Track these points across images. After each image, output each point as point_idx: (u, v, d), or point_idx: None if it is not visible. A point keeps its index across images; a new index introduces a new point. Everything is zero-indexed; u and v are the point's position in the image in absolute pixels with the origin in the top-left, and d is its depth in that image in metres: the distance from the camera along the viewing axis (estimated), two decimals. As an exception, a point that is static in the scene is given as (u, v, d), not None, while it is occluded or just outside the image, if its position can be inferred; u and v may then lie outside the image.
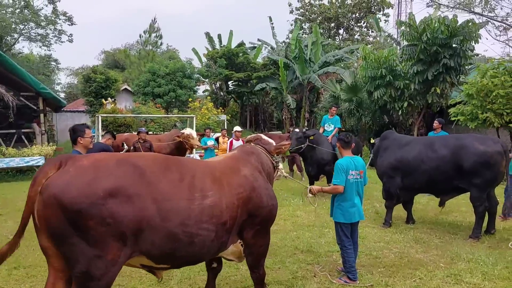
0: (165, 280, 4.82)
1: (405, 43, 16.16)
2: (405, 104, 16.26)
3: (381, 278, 4.81)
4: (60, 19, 28.64)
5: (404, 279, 4.77)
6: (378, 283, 4.67)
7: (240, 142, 10.48)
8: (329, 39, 39.93)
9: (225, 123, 24.43)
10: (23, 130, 15.98)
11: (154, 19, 35.09)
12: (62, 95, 48.76)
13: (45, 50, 30.08)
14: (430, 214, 8.09)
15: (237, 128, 10.39)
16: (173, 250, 3.15)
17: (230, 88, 29.42)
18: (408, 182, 6.99)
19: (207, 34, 28.23)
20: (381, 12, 40.47)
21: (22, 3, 27.62)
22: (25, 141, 15.69)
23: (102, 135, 6.05)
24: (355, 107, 18.72)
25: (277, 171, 4.62)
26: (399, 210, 7.74)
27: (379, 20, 39.77)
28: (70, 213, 2.70)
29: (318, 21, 41.56)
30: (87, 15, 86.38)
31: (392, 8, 40.29)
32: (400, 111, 16.54)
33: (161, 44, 34.91)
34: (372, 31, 40.20)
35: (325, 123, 10.56)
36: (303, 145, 9.60)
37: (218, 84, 28.92)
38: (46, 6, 29.32)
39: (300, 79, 25.51)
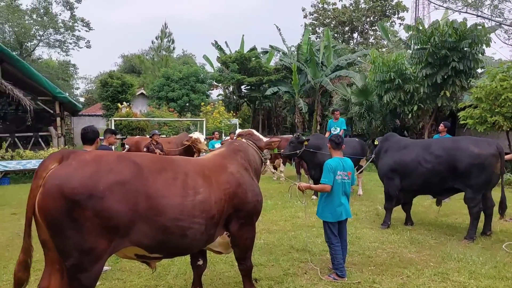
0: (162, 275, 5.06)
1: (416, 47, 16.20)
2: (415, 108, 16.28)
3: (370, 276, 4.96)
4: (77, 25, 29.52)
5: (392, 277, 4.92)
6: (366, 280, 4.82)
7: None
8: (343, 43, 40.04)
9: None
10: (40, 133, 16.52)
11: (165, 24, 35.65)
12: (82, 99, 49.89)
13: (63, 56, 31.06)
14: (430, 216, 8.17)
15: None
16: (165, 242, 3.36)
17: (243, 92, 29.70)
18: (406, 184, 7.11)
19: (215, 43, 28.62)
20: (396, 16, 40.40)
21: (42, 10, 28.57)
22: (42, 144, 16.21)
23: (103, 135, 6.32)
24: (365, 111, 18.79)
25: (265, 166, 4.85)
26: (399, 212, 7.86)
27: (393, 23, 39.90)
28: (69, 204, 2.86)
29: (332, 25, 41.70)
30: (107, 21, 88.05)
31: (407, 12, 40.16)
32: (410, 114, 16.57)
33: (174, 48, 35.46)
34: (389, 35, 40.02)
35: (331, 127, 10.71)
36: (297, 151, 9.76)
37: (231, 88, 29.24)
38: (63, 11, 30.22)
39: (312, 82, 25.65)
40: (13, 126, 19.04)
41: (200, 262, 4.35)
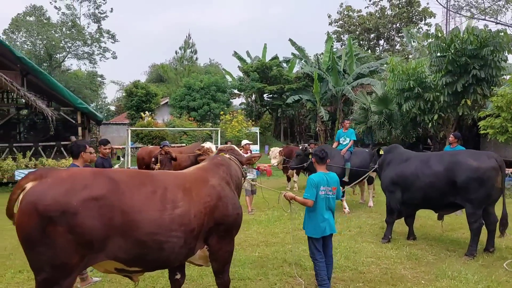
0: (149, 287, 5.13)
1: (435, 54, 15.85)
2: (435, 117, 15.89)
3: (357, 293, 4.88)
4: (104, 37, 30.48)
5: (379, 295, 4.82)
6: (351, 297, 4.74)
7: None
8: (369, 50, 39.58)
9: (257, 135, 24.81)
10: (62, 143, 17.07)
11: (189, 35, 36.35)
12: (113, 108, 51.22)
13: (91, 67, 32.12)
14: (437, 231, 7.94)
15: (245, 141, 10.71)
16: (143, 255, 3.38)
17: (265, 101, 29.80)
18: (407, 197, 6.96)
19: (235, 53, 28.86)
20: (423, 22, 39.64)
21: (70, 23, 29.65)
22: (64, 152, 16.74)
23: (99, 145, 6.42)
24: (385, 120, 18.48)
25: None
26: (403, 226, 7.68)
27: (420, 29, 39.05)
28: (43, 220, 2.92)
29: (357, 32, 41.34)
30: (140, 30, 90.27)
31: (434, 18, 39.31)
32: (430, 123, 16.18)
33: (197, 59, 36.01)
34: (414, 41, 39.35)
35: (339, 138, 10.60)
36: (305, 164, 9.75)
37: (253, 97, 29.39)
38: (89, 24, 31.30)
39: (334, 91, 25.48)
40: (37, 135, 19.76)
41: (178, 276, 4.33)
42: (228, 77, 29.83)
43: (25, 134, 22.92)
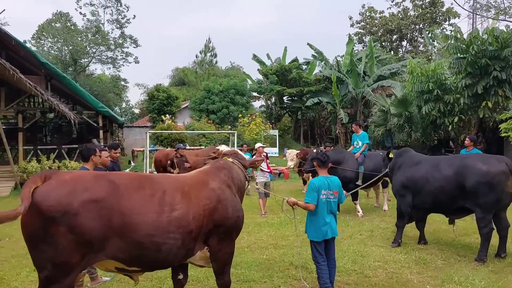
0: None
1: (455, 56, 15.59)
2: (456, 119, 15.63)
3: (359, 296, 4.89)
4: (127, 42, 31.21)
5: (380, 299, 4.82)
6: (352, 301, 4.76)
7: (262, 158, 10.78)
8: (391, 52, 39.09)
9: (276, 138, 24.85)
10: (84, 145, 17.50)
11: (209, 39, 36.72)
12: (137, 111, 52.10)
13: (114, 71, 32.91)
14: (450, 235, 7.82)
15: (259, 144, 10.78)
16: (141, 256, 3.52)
17: (284, 103, 29.83)
18: (418, 202, 6.91)
19: (254, 56, 28.97)
20: (447, 22, 38.89)
21: (94, 28, 30.44)
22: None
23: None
24: (405, 122, 18.26)
25: (248, 185, 4.98)
26: (416, 231, 7.60)
27: (444, 30, 38.28)
28: (46, 220, 3.07)
29: (379, 34, 40.89)
30: (161, 36, 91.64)
31: (459, 18, 38.49)
32: (450, 126, 15.92)
33: (216, 62, 36.32)
34: (437, 43, 38.66)
35: (354, 141, 10.58)
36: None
37: (272, 99, 29.47)
38: (113, 30, 32.08)
39: (353, 93, 25.31)
40: (61, 138, 20.34)
41: (181, 277, 4.42)
42: (248, 80, 30.05)
43: (50, 137, 23.61)
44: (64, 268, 3.19)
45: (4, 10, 17.92)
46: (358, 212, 9.91)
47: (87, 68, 32.26)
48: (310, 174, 13.21)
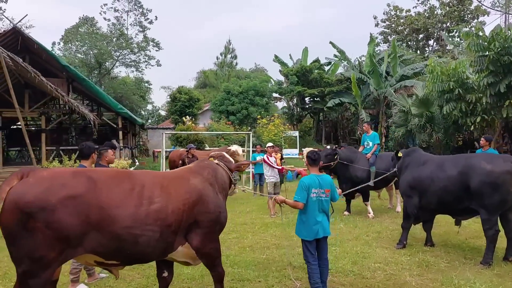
0: (150, 285, 5.31)
1: (477, 54, 15.11)
2: (478, 119, 15.13)
3: (349, 297, 4.80)
4: (149, 45, 31.78)
5: (372, 300, 4.71)
6: (342, 301, 4.68)
7: (272, 159, 10.76)
8: (417, 51, 38.28)
9: (297, 139, 24.72)
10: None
11: (229, 41, 36.93)
12: (163, 113, 52.88)
13: (139, 74, 33.57)
14: (459, 238, 7.59)
15: (270, 144, 10.74)
16: (119, 249, 3.59)
17: (307, 104, 29.66)
18: (424, 202, 6.73)
19: (276, 57, 28.91)
20: (476, 20, 37.67)
21: (117, 32, 31.14)
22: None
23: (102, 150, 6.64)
24: (426, 122, 17.81)
25: (234, 187, 5.04)
26: (424, 232, 7.40)
27: (473, 26, 37.00)
28: (23, 216, 3.16)
29: (405, 33, 40.13)
30: (188, 38, 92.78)
31: (488, 16, 37.35)
32: (472, 126, 15.42)
33: (236, 64, 36.47)
34: (462, 41, 37.55)
35: (364, 142, 10.41)
36: (332, 163, 9.65)
37: (294, 100, 29.35)
38: (137, 35, 32.77)
39: (375, 93, 24.91)
40: (83, 139, 20.83)
41: (165, 274, 4.49)
42: (272, 81, 30.01)
43: (74, 138, 24.25)
44: (42, 263, 3.27)
45: (27, 15, 18.60)
46: (369, 213, 9.74)
47: (111, 71, 33.02)
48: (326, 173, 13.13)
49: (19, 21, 15.86)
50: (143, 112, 46.45)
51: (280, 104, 35.05)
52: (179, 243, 4.01)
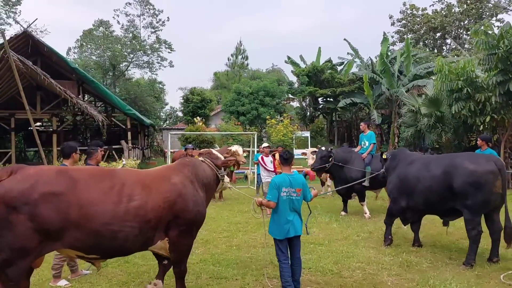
0: (128, 282, 5.43)
1: (486, 52, 14.81)
2: (488, 119, 14.83)
3: (320, 296, 4.82)
4: (162, 47, 32.25)
5: (342, 299, 4.72)
6: (312, 300, 4.70)
7: (270, 158, 10.81)
8: (434, 50, 37.67)
9: (308, 139, 24.65)
10: (114, 146, 18.27)
11: (240, 42, 37.11)
12: (181, 114, 53.43)
13: (151, 75, 34.20)
14: (451, 238, 7.48)
15: (265, 144, 10.79)
16: (98, 244, 3.82)
17: (320, 105, 29.56)
18: (412, 203, 6.68)
19: (288, 58, 28.90)
20: (495, 18, 36.87)
21: (131, 35, 31.71)
22: (115, 156, 17.90)
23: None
24: (435, 122, 17.53)
25: (222, 183, 5.16)
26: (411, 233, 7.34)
27: (492, 24, 36.20)
28: (8, 209, 3.45)
29: (421, 32, 39.54)
30: (208, 40, 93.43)
31: (507, 13, 36.43)
32: (482, 126, 15.13)
33: (247, 65, 36.61)
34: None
35: (361, 141, 10.36)
36: (327, 164, 9.66)
37: (307, 101, 29.29)
38: (149, 36, 33.30)
39: (387, 93, 24.63)
40: (96, 139, 21.23)
41: (166, 262, 4.79)
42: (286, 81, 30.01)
43: (88, 139, 24.77)
44: (20, 253, 3.54)
45: (37, 19, 19.21)
46: (365, 213, 9.69)
47: (126, 73, 33.60)
48: (328, 175, 13.08)
49: (30, 24, 16.36)
50: (161, 114, 47.04)
51: (295, 105, 35.03)
52: (159, 238, 4.22)
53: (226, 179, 5.34)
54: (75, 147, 5.67)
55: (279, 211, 4.82)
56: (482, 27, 14.80)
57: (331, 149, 10.27)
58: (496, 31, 15.36)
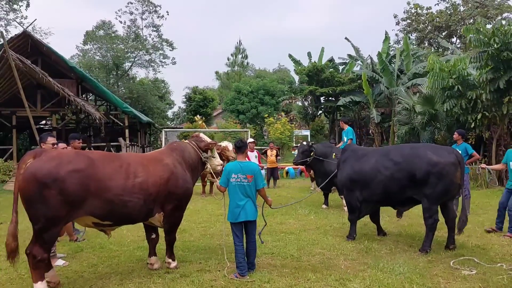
0: (161, 274, 5.36)
1: (477, 50, 14.91)
2: (479, 116, 14.93)
3: (271, 277, 5.06)
4: (163, 46, 32.81)
5: (291, 279, 4.97)
6: (261, 280, 4.95)
7: (254, 153, 11.10)
8: (439, 49, 37.51)
9: (308, 138, 24.86)
10: (112, 144, 18.72)
11: (239, 41, 37.50)
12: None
13: (159, 73, 34.76)
14: (419, 229, 7.63)
15: (250, 140, 11.13)
16: (112, 211, 4.62)
17: (320, 103, 29.74)
18: (366, 194, 6.78)
19: (290, 56, 29.11)
20: (500, 17, 36.56)
21: (133, 34, 32.26)
22: (112, 151, 18.32)
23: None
24: (429, 120, 17.66)
25: (206, 167, 5.97)
26: (390, 224, 7.58)
27: (504, 20, 35.91)
28: (40, 185, 4.12)
29: (426, 31, 39.43)
30: (216, 39, 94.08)
31: (513, 12, 36.10)
32: (473, 123, 15.24)
33: (247, 64, 36.98)
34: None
35: (342, 138, 10.66)
36: (308, 159, 9.95)
37: (308, 99, 29.49)
38: (150, 36, 33.85)
39: (386, 92, 24.73)
40: (102, 137, 21.73)
41: (153, 236, 5.56)
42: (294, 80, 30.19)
43: (91, 137, 25.31)
44: (53, 221, 4.28)
45: (36, 19, 19.75)
46: (345, 206, 9.89)
47: (129, 72, 34.21)
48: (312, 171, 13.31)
49: (29, 24, 16.96)
50: (169, 113, 47.50)
51: (299, 103, 35.20)
52: (157, 211, 5.11)
53: (218, 161, 6.14)
54: (45, 137, 6.25)
55: (230, 196, 5.19)
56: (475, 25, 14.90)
57: (312, 143, 10.56)
58: (489, 27, 15.48)
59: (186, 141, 6.02)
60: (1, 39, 12.79)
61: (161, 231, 5.66)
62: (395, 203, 6.77)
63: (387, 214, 8.68)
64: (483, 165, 8.36)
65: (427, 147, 6.40)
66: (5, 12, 25.31)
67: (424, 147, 6.43)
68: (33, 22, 16.87)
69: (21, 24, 21.54)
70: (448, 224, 6.21)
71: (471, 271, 5.17)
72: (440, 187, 5.95)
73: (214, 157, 6.14)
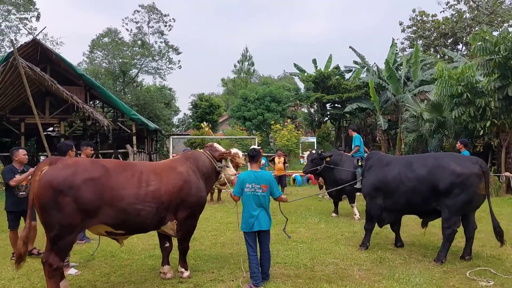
0: (174, 284, 5.30)
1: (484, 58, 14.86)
2: (488, 124, 14.85)
3: (286, 287, 5.05)
4: (169, 51, 32.98)
5: (306, 290, 4.94)
6: (276, 290, 4.94)
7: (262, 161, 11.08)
8: (445, 56, 37.44)
9: (314, 145, 24.84)
10: (120, 150, 18.76)
11: (246, 48, 37.67)
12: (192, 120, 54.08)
13: (161, 81, 34.90)
14: (432, 238, 7.61)
15: (235, 150, 11.27)
16: (125, 220, 4.61)
17: (326, 110, 29.73)
18: (389, 203, 6.79)
19: (295, 65, 29.17)
20: (507, 24, 36.49)
21: (139, 42, 32.44)
22: (121, 159, 18.36)
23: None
24: (437, 127, 17.57)
25: (221, 176, 5.91)
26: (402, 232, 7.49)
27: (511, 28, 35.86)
28: (55, 192, 4.15)
29: (432, 38, 39.39)
30: (224, 47, 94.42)
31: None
32: (482, 131, 15.15)
33: (254, 71, 37.11)
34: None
35: (354, 145, 10.65)
36: (318, 167, 9.90)
37: (315, 106, 29.49)
38: (156, 42, 34.04)
39: (393, 99, 24.68)
40: (110, 144, 21.79)
41: (167, 245, 5.55)
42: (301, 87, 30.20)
43: (98, 144, 25.38)
44: (68, 229, 4.28)
45: (45, 27, 19.89)
46: (355, 215, 9.86)
47: (135, 79, 34.35)
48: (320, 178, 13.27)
49: (39, 32, 17.15)
50: (175, 120, 47.60)
51: (305, 111, 35.19)
52: (169, 219, 5.07)
53: (232, 171, 6.09)
54: (71, 145, 6.26)
55: (244, 206, 5.15)
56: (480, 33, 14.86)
57: (321, 152, 10.51)
58: (495, 34, 15.44)
59: (201, 150, 6.04)
60: (12, 47, 12.94)
61: (174, 240, 5.65)
62: (420, 214, 6.72)
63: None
64: (507, 174, 8.27)
65: (450, 157, 6.29)
66: (16, 21, 25.65)
67: (447, 157, 6.31)
68: (42, 29, 17.11)
69: (31, 32, 21.76)
70: (467, 235, 6.14)
71: (489, 282, 5.10)
72: (463, 198, 5.88)
73: (228, 167, 6.12)
